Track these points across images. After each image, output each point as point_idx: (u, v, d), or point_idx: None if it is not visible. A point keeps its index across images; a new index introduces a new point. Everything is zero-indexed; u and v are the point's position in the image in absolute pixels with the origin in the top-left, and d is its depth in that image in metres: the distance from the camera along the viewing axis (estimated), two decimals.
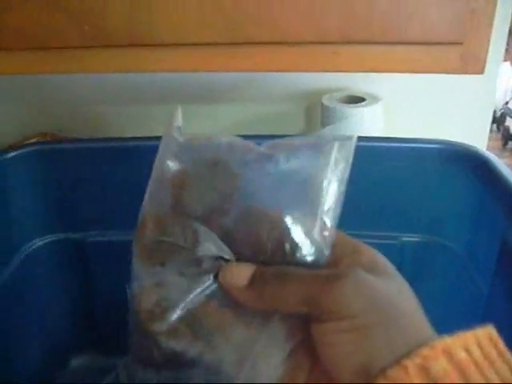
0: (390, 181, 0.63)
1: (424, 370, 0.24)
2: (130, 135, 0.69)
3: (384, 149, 0.63)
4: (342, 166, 0.33)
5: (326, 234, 0.32)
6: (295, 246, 0.32)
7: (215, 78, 0.86)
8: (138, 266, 0.35)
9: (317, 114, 0.83)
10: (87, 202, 0.68)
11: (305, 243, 0.32)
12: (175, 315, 0.32)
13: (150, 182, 0.35)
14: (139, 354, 0.35)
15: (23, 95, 0.90)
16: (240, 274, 0.31)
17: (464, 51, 0.53)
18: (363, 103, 0.78)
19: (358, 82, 0.83)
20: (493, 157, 0.61)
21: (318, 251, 0.32)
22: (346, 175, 0.33)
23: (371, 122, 0.77)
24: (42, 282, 0.69)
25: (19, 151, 0.65)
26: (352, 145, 0.33)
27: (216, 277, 0.32)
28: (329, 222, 0.33)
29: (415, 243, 0.66)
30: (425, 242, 0.66)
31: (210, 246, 0.32)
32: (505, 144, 3.25)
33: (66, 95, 0.89)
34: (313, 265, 0.32)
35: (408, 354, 0.25)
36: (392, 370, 0.25)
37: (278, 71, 0.57)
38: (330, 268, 0.32)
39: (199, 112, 0.89)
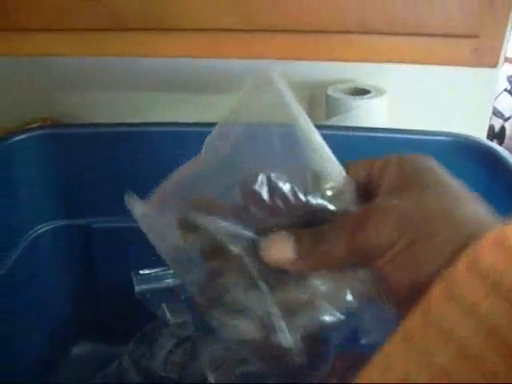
0: None
1: (474, 265, 0.24)
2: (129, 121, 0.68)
3: (390, 140, 0.63)
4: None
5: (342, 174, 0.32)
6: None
7: (218, 67, 0.86)
8: None
9: (321, 105, 0.82)
10: (92, 187, 0.67)
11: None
12: None
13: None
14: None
15: (22, 80, 0.89)
16: (281, 247, 0.31)
17: (479, 44, 0.54)
18: (368, 95, 0.78)
19: (364, 74, 0.83)
20: (500, 148, 0.61)
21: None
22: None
23: (376, 114, 0.77)
24: (47, 268, 0.68)
25: (24, 136, 0.64)
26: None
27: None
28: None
29: None
30: None
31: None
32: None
33: (66, 80, 0.88)
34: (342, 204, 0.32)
35: (451, 259, 0.25)
36: (442, 273, 0.25)
37: (293, 59, 0.57)
38: (364, 201, 0.32)
39: (201, 101, 0.89)
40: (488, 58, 0.53)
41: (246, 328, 0.32)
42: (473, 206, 0.29)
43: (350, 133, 0.62)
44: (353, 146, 0.58)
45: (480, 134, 0.87)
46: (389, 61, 0.54)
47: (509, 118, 3.28)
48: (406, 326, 0.26)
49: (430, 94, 0.85)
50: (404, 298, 0.28)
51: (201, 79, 0.87)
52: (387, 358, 0.26)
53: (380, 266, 0.28)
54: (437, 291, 0.25)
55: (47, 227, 0.67)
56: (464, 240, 0.26)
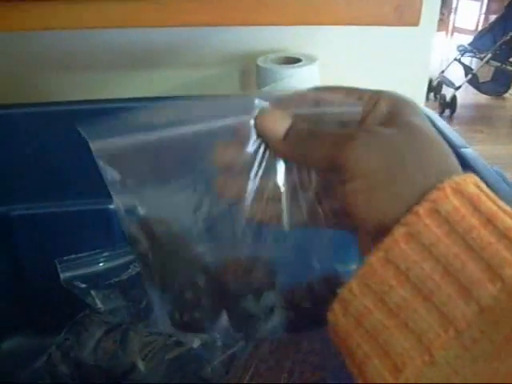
0: None
1: (435, 211, 0.26)
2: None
3: None
4: None
5: None
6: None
7: (150, 42, 0.82)
8: None
9: (252, 76, 0.80)
10: (10, 173, 0.64)
11: None
12: None
13: None
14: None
15: None
16: (277, 124, 0.33)
17: (399, 3, 0.52)
18: (299, 64, 0.75)
19: (294, 42, 0.80)
20: (432, 113, 0.60)
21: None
22: None
23: (308, 83, 0.75)
24: None
25: None
26: None
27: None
28: None
29: None
30: None
31: None
32: (442, 112, 3.33)
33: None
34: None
35: (418, 201, 0.27)
36: (405, 218, 0.27)
37: (213, 25, 0.54)
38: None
39: (135, 77, 0.85)
40: (408, 17, 0.52)
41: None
42: (439, 155, 0.30)
43: None
44: None
45: (418, 99, 0.85)
46: (307, 23, 0.52)
47: (459, 87, 3.33)
48: (370, 261, 0.27)
49: (363, 62, 0.83)
50: (364, 232, 0.30)
51: (130, 56, 0.83)
52: (349, 293, 0.28)
53: (349, 191, 0.29)
54: (399, 233, 0.27)
55: None
56: (428, 187, 0.27)
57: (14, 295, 0.70)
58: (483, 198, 0.27)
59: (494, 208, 0.26)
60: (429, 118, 0.58)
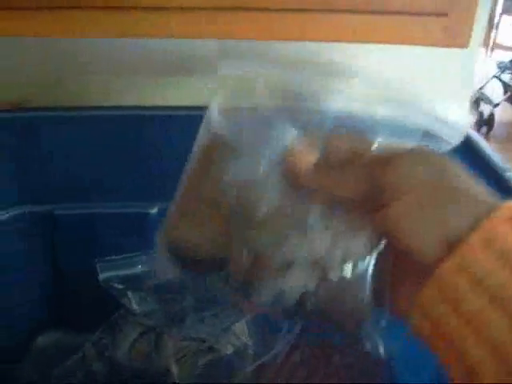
0: None
1: (488, 241, 0.25)
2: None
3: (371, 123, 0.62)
4: None
5: None
6: None
7: (191, 48, 0.83)
8: None
9: None
10: (54, 173, 0.65)
11: None
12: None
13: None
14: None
15: None
16: (306, 156, 0.32)
17: (448, 23, 0.52)
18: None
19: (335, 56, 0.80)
20: (477, 136, 0.60)
21: None
22: None
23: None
24: (8, 257, 0.66)
25: None
26: None
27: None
28: None
29: None
30: None
31: None
32: (478, 130, 3.28)
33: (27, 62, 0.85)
34: None
35: (488, 208, 0.26)
36: (483, 222, 0.26)
37: (260, 39, 0.55)
38: None
39: (173, 83, 0.86)
40: (457, 38, 0.52)
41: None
42: (479, 188, 0.29)
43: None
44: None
45: (460, 118, 0.85)
46: (353, 40, 0.52)
47: (498, 104, 3.28)
48: (440, 272, 0.26)
49: (405, 77, 0.82)
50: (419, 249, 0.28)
51: (168, 62, 0.84)
52: (425, 302, 0.27)
53: (394, 212, 0.28)
54: (474, 240, 0.26)
55: (7, 214, 0.65)
56: (478, 214, 0.26)
57: (52, 293, 0.72)
58: None
59: None
60: (472, 138, 0.58)
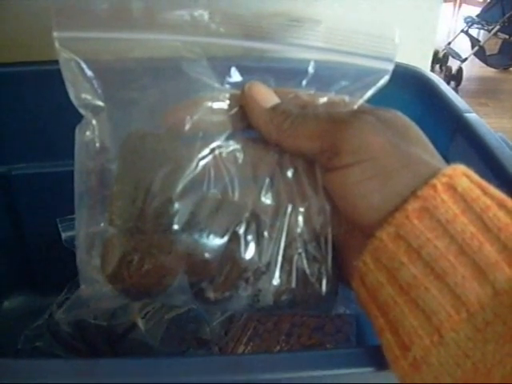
0: None
1: (451, 186, 0.26)
2: None
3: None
4: None
5: None
6: None
7: None
8: None
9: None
10: (10, 133, 0.63)
11: None
12: None
13: None
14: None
15: None
16: (267, 94, 0.31)
17: None
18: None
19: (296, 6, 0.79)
20: (436, 77, 0.59)
21: None
22: None
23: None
24: None
25: None
26: None
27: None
28: None
29: None
30: None
31: None
32: (447, 84, 3.29)
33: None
34: None
35: (434, 176, 0.26)
36: (421, 190, 0.26)
37: None
38: None
39: None
40: None
41: None
42: (434, 154, 0.29)
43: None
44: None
45: (423, 64, 0.84)
46: None
47: (465, 59, 3.28)
48: (376, 240, 0.27)
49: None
50: (359, 211, 0.28)
51: None
52: (364, 266, 0.27)
53: (352, 178, 0.28)
54: (413, 207, 0.26)
55: None
56: (420, 182, 0.26)
57: (15, 255, 0.70)
58: (488, 185, 0.26)
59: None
60: (433, 82, 0.57)
